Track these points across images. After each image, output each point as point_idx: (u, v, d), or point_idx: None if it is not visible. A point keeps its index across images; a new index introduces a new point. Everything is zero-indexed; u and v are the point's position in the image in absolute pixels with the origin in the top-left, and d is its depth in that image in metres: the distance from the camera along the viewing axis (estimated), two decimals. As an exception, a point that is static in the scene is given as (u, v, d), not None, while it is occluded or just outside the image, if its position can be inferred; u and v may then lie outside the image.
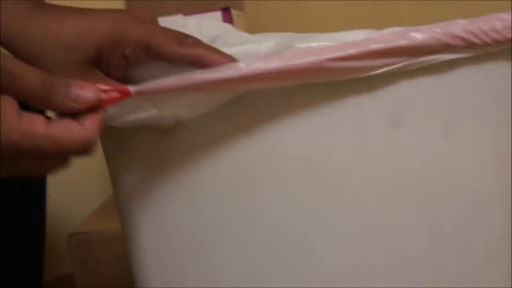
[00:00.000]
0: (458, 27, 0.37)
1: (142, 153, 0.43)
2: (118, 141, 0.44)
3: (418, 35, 0.36)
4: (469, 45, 0.37)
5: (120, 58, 0.39)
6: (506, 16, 0.37)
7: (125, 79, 0.40)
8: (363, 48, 0.36)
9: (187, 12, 0.86)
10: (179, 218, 0.43)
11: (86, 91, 0.34)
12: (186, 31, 0.41)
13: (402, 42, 0.36)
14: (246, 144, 0.40)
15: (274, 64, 0.36)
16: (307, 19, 1.03)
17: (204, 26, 0.62)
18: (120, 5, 1.01)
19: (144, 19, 0.40)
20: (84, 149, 0.34)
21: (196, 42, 0.39)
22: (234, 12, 0.89)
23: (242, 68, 0.36)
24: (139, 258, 0.47)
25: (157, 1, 0.99)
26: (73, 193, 1.14)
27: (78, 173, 1.14)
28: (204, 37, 0.62)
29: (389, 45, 0.36)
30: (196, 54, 0.38)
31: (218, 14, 0.86)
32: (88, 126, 0.34)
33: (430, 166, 0.39)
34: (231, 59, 0.38)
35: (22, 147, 0.32)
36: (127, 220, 0.47)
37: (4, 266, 0.67)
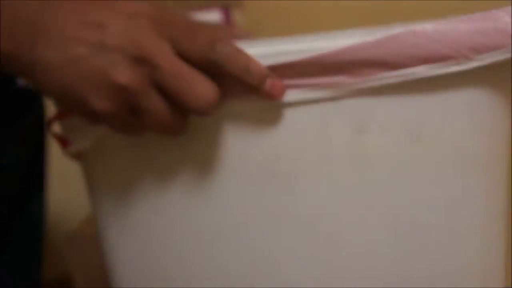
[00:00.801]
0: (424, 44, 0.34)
1: (115, 164, 0.44)
2: (93, 151, 0.44)
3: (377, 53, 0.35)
4: (437, 61, 0.35)
5: None
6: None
7: None
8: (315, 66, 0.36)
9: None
10: (147, 225, 0.43)
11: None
12: None
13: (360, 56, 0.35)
14: (210, 153, 0.40)
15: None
16: (309, 19, 1.03)
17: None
18: (120, 4, 1.01)
19: None
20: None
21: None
22: (234, 12, 0.89)
23: None
24: (113, 263, 0.47)
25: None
26: (73, 193, 1.14)
27: (78, 173, 1.14)
28: None
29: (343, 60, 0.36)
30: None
31: (217, 14, 0.86)
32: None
33: (396, 172, 0.39)
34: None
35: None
36: (101, 227, 0.47)
37: (2, 265, 0.67)
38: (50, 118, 0.42)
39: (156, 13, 0.37)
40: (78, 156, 0.45)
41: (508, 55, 0.35)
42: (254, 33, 0.54)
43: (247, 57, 0.37)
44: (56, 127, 0.43)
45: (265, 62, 0.37)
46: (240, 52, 0.37)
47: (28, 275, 0.72)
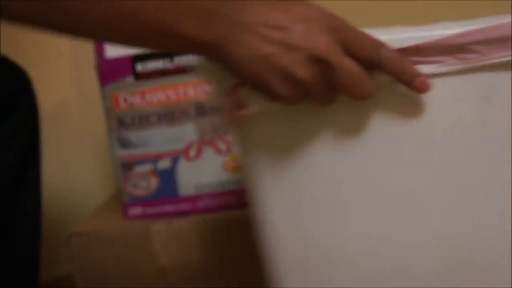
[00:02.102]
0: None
1: (271, 128, 0.50)
2: (256, 117, 0.50)
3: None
4: None
5: None
6: None
7: None
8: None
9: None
10: (302, 181, 0.51)
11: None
12: None
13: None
14: (361, 114, 0.49)
15: None
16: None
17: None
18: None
19: None
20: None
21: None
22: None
23: None
24: (270, 225, 0.52)
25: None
26: (73, 193, 1.14)
27: (78, 173, 1.14)
28: None
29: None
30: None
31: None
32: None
33: None
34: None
35: None
36: (257, 186, 0.52)
37: None
38: (232, 86, 0.48)
39: (329, 19, 0.44)
40: (241, 122, 0.50)
41: None
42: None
43: (404, 60, 0.45)
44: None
45: (413, 42, 0.45)
46: (398, 56, 0.45)
47: (25, 273, 0.71)
